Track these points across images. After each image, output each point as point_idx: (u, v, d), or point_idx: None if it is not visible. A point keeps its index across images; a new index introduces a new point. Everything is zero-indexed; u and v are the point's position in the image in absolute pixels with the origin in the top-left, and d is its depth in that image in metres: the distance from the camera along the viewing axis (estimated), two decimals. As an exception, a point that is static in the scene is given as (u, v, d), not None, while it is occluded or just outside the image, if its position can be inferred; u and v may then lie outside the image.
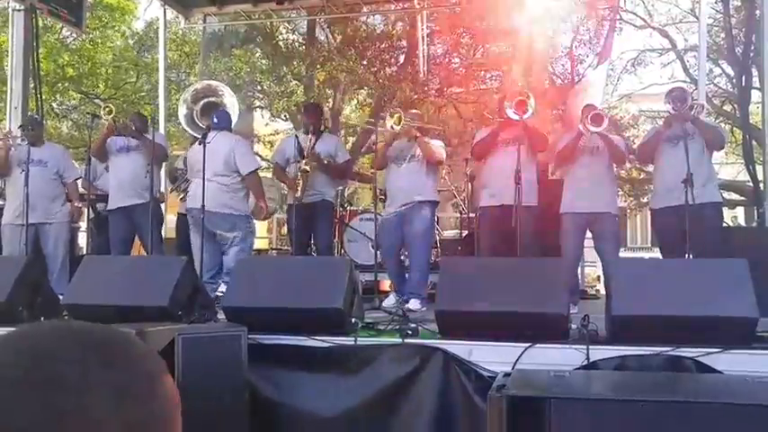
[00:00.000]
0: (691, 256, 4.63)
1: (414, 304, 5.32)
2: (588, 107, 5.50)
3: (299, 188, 5.80)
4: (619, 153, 5.38)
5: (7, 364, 0.59)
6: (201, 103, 6.94)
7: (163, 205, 6.50)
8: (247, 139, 6.14)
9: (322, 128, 6.37)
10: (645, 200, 14.14)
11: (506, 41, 13.83)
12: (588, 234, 5.44)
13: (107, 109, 6.03)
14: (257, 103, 14.43)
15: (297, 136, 6.22)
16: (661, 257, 5.44)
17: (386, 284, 6.64)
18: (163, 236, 6.57)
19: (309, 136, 6.02)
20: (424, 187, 5.63)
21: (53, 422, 0.57)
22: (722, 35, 12.90)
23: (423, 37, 12.50)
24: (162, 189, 6.61)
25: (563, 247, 5.28)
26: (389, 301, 5.44)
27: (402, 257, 6.07)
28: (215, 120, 5.94)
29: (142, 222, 5.82)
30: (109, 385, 0.60)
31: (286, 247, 10.18)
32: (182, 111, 7.07)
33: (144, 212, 5.77)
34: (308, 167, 5.80)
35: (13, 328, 0.65)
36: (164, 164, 6.72)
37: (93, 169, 6.17)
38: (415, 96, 12.56)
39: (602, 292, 5.57)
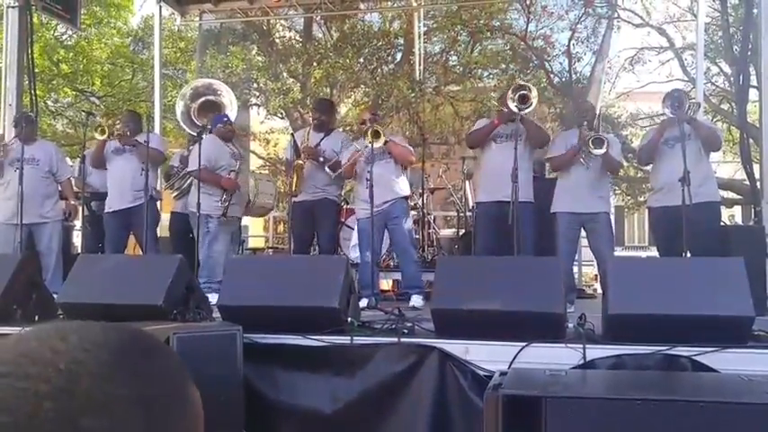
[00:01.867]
0: (688, 255, 4.62)
1: (416, 300, 5.32)
2: (585, 122, 5.40)
3: (294, 183, 5.78)
4: (614, 164, 5.39)
5: (31, 376, 0.54)
6: (200, 101, 6.95)
7: (159, 203, 6.47)
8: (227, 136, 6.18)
9: (332, 125, 6.40)
10: (642, 198, 14.14)
11: (503, 39, 13.85)
12: (582, 233, 5.47)
13: (99, 129, 6.04)
14: (253, 100, 14.39)
15: (293, 135, 6.20)
16: (658, 256, 5.45)
17: (383, 283, 6.62)
18: (158, 235, 6.55)
19: (309, 130, 6.02)
20: (403, 183, 5.75)
21: None
22: (720, 33, 12.89)
23: (419, 34, 12.50)
24: (158, 188, 6.59)
25: (558, 246, 5.29)
26: (363, 303, 5.12)
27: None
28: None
29: (138, 222, 5.80)
30: (140, 401, 0.56)
31: (282, 246, 10.15)
32: (179, 107, 7.07)
33: (140, 213, 5.75)
34: (302, 162, 5.79)
35: (27, 329, 0.60)
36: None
37: (86, 167, 6.18)
38: (412, 95, 12.54)
39: (600, 291, 5.57)
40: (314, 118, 6.22)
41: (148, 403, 0.56)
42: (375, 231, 5.47)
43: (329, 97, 13.50)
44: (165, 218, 6.83)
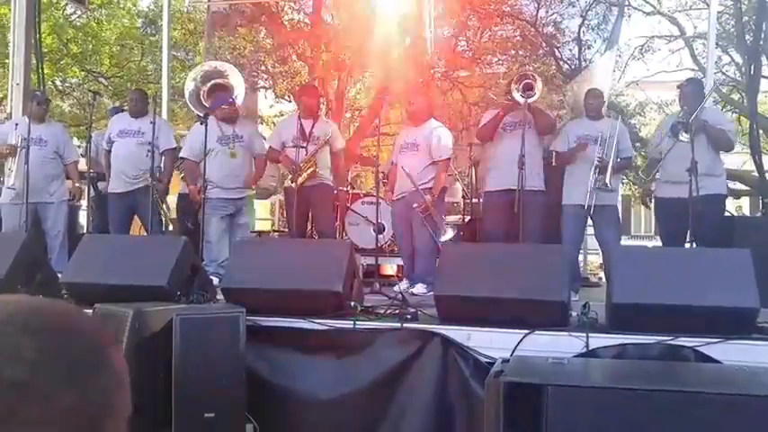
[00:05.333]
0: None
1: (419, 288, 5.32)
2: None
3: (306, 174, 5.74)
4: (626, 167, 5.79)
5: None
6: (210, 83, 6.92)
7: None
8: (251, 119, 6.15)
9: (321, 111, 6.37)
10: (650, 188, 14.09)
11: (513, 25, 13.74)
12: (589, 222, 5.45)
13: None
14: (261, 83, 14.34)
15: (300, 117, 6.11)
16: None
17: (387, 268, 6.62)
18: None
19: (297, 116, 6.00)
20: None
21: (6, 393, 0.59)
22: (732, 22, 12.75)
23: (430, 19, 12.40)
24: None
25: (563, 234, 5.28)
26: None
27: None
28: None
29: (142, 204, 5.79)
30: (63, 358, 0.62)
31: (287, 230, 10.15)
32: (189, 87, 7.05)
33: (145, 194, 5.73)
34: (313, 168, 5.77)
35: None
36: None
37: (93, 147, 6.17)
38: (420, 80, 12.47)
39: (605, 280, 5.57)
40: (308, 103, 6.12)
41: (72, 361, 0.62)
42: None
43: (338, 80, 13.47)
44: (171, 199, 6.82)
